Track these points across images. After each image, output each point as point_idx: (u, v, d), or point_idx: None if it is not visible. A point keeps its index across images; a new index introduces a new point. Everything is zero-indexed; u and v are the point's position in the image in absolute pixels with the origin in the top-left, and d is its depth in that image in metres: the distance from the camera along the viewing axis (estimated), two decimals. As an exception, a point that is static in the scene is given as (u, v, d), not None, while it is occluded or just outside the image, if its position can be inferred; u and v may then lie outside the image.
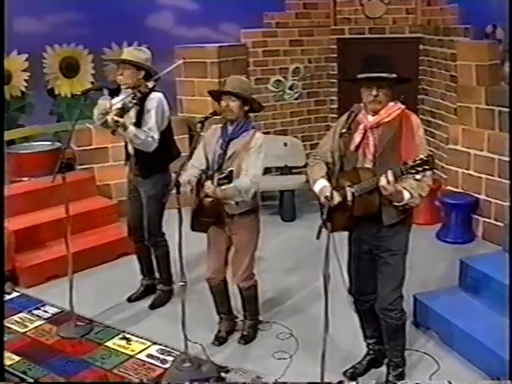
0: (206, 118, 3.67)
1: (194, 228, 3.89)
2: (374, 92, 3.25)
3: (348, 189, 3.24)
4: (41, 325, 4.48)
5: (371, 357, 3.80)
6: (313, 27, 7.67)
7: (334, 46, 7.78)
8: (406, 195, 3.18)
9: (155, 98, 4.37)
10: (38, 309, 4.72)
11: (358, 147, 3.33)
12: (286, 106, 7.70)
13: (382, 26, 7.50)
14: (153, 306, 4.69)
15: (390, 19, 7.45)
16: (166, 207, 4.50)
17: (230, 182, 3.48)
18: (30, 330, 4.41)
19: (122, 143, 6.44)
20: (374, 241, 3.42)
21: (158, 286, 4.81)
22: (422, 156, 2.99)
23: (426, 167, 2.97)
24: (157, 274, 4.85)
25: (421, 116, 6.61)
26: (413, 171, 3.00)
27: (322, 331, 4.20)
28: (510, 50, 5.92)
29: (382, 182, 3.08)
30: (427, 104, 7.12)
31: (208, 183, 3.60)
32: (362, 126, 3.33)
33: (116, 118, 4.16)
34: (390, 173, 3.07)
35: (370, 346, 3.80)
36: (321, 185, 3.42)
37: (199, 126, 3.63)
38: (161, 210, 4.55)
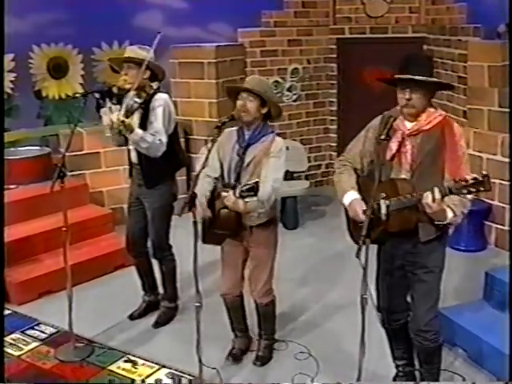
0: (224, 123, 3.35)
1: (206, 241, 3.58)
2: (407, 95, 2.97)
3: (383, 201, 2.96)
4: (37, 347, 4.13)
5: (400, 379, 3.53)
6: (312, 26, 7.40)
7: (334, 46, 7.51)
8: (450, 214, 2.91)
9: (160, 100, 4.04)
10: (32, 328, 4.36)
11: (393, 156, 3.04)
12: (285, 108, 7.27)
13: (383, 25, 7.25)
14: (157, 325, 4.37)
15: (392, 18, 7.22)
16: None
17: (255, 194, 3.16)
18: (25, 352, 4.06)
19: (116, 148, 6.11)
20: (409, 257, 3.15)
21: (161, 303, 4.49)
22: (476, 175, 2.66)
23: (482, 188, 2.66)
24: (160, 290, 4.54)
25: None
26: (465, 191, 2.70)
27: (343, 350, 3.98)
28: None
29: (428, 199, 2.79)
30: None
31: (229, 194, 3.29)
32: (399, 134, 3.03)
33: (122, 118, 3.81)
34: (437, 191, 2.78)
35: (400, 368, 3.54)
36: (351, 198, 3.12)
37: (215, 131, 3.32)
38: (168, 222, 4.25)
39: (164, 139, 4.00)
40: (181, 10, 7.34)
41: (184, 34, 7.17)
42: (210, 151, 3.27)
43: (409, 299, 3.32)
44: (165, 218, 4.22)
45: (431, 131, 3.01)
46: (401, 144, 3.02)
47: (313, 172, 7.64)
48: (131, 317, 4.48)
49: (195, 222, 3.17)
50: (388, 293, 3.29)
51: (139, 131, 3.92)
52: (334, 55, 7.55)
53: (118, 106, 3.94)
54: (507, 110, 5.44)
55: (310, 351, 3.98)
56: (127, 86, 3.99)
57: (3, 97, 6.17)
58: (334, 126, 7.78)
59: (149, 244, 4.39)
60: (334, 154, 7.87)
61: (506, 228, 5.53)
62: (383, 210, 2.95)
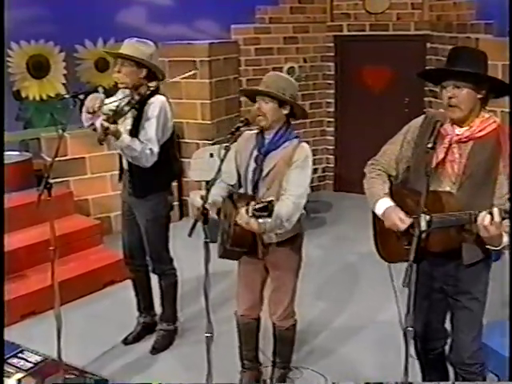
0: (238, 128, 2.95)
1: (222, 255, 3.20)
2: (449, 93, 2.60)
3: (423, 216, 2.58)
4: (21, 378, 3.66)
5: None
6: (308, 23, 7.07)
7: (331, 44, 7.20)
8: (505, 239, 2.54)
9: (157, 103, 3.60)
10: (15, 357, 3.88)
11: (437, 164, 2.67)
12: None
13: (384, 22, 6.92)
14: (154, 350, 3.97)
15: (393, 15, 6.90)
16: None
17: (269, 214, 2.71)
18: (8, 386, 3.63)
19: (102, 152, 5.66)
20: (450, 280, 2.78)
21: (159, 325, 4.08)
22: None
23: None
24: (157, 310, 4.12)
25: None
26: None
27: (363, 377, 3.61)
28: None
29: (486, 221, 2.42)
30: (435, 107, 6.55)
31: (242, 212, 2.90)
32: (447, 139, 2.66)
33: (106, 124, 3.35)
34: (496, 212, 2.42)
35: (433, 405, 3.17)
36: (385, 205, 2.74)
37: (229, 138, 2.92)
38: (165, 233, 3.86)
39: (155, 149, 3.56)
40: (166, 7, 6.99)
41: (169, 31, 6.82)
42: (222, 161, 2.86)
43: (447, 326, 2.96)
44: (160, 231, 3.83)
45: (484, 139, 2.63)
46: (447, 151, 2.65)
47: (309, 176, 7.27)
48: (125, 341, 4.07)
49: (207, 243, 2.76)
50: (424, 318, 2.92)
51: (126, 139, 3.48)
52: (332, 54, 7.25)
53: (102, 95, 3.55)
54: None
55: (327, 380, 3.61)
56: (120, 85, 3.58)
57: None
58: (331, 128, 7.47)
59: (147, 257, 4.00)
60: (331, 157, 7.56)
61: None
62: (423, 226, 2.58)
